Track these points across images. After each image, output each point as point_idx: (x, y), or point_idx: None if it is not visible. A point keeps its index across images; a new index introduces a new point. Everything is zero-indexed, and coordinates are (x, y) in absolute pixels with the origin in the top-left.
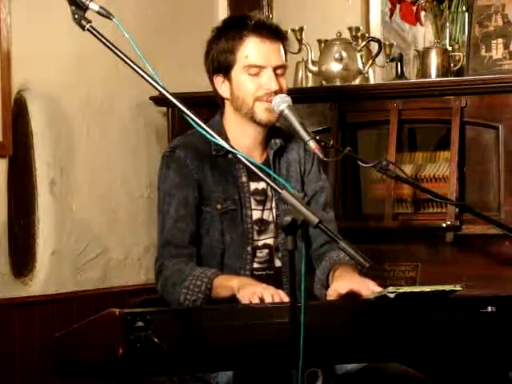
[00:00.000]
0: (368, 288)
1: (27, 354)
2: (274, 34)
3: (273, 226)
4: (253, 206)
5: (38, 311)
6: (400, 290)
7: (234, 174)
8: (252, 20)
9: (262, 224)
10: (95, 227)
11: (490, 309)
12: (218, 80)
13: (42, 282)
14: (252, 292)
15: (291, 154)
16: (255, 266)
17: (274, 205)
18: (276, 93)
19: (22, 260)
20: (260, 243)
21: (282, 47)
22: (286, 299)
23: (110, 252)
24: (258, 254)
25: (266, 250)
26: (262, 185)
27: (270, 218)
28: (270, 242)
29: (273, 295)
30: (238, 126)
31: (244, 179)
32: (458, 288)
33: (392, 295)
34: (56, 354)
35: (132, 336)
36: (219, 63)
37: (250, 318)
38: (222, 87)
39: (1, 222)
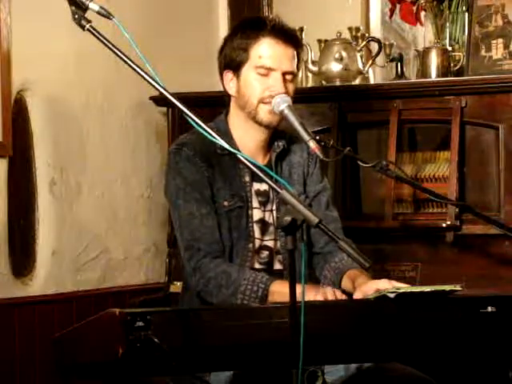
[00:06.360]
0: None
1: (27, 354)
2: (290, 39)
3: (273, 229)
4: (255, 205)
5: (38, 311)
6: (400, 290)
7: (238, 173)
8: (271, 22)
9: (263, 225)
10: (95, 227)
11: (489, 309)
12: (228, 76)
13: (42, 282)
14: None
15: (294, 157)
16: (257, 266)
17: (274, 207)
18: None
19: (22, 260)
20: (262, 243)
21: (295, 54)
22: None
23: (110, 252)
24: (261, 255)
25: (267, 252)
26: (264, 186)
27: (271, 220)
28: (270, 244)
29: None
30: (242, 127)
31: (247, 179)
32: (457, 288)
33: (392, 295)
34: (56, 354)
35: (132, 336)
36: (231, 59)
37: (250, 317)
38: (230, 84)
39: (1, 222)
